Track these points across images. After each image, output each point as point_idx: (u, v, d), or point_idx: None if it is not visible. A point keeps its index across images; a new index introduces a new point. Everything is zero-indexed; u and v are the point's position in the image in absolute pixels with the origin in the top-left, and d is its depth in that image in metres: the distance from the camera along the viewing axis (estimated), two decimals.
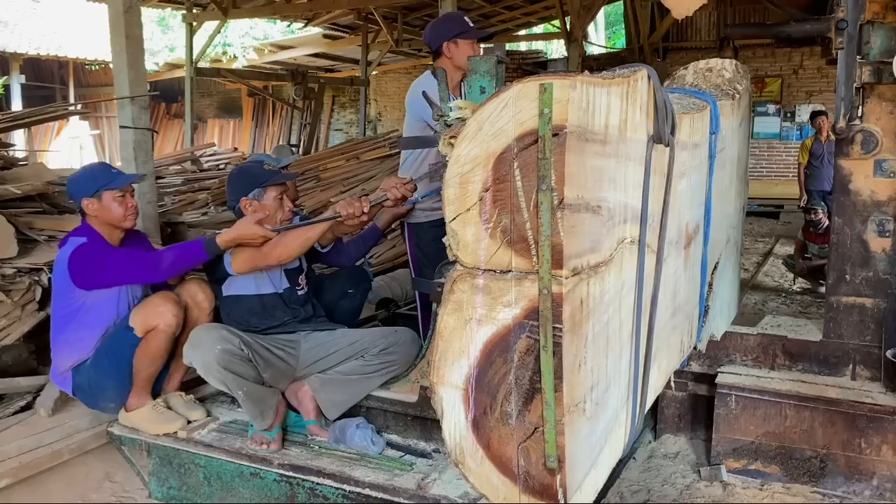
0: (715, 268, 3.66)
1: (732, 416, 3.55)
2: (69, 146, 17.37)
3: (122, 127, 6.07)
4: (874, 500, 3.31)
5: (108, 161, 18.27)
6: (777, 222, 11.72)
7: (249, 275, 3.22)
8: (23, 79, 17.05)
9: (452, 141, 1.90)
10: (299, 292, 3.42)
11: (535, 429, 1.91)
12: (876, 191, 3.46)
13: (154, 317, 3.16)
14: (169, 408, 3.33)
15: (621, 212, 2.20)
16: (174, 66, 17.97)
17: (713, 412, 3.59)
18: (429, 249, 3.80)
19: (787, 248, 8.60)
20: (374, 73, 17.35)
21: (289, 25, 17.66)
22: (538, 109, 1.79)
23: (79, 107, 14.15)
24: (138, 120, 6.02)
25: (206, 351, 2.95)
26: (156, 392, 3.38)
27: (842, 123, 3.32)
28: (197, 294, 3.38)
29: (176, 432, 3.24)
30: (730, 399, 3.56)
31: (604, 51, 18.94)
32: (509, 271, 1.89)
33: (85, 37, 17.83)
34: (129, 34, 5.86)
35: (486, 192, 1.87)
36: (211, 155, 10.97)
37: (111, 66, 5.97)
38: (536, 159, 1.81)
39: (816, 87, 14.47)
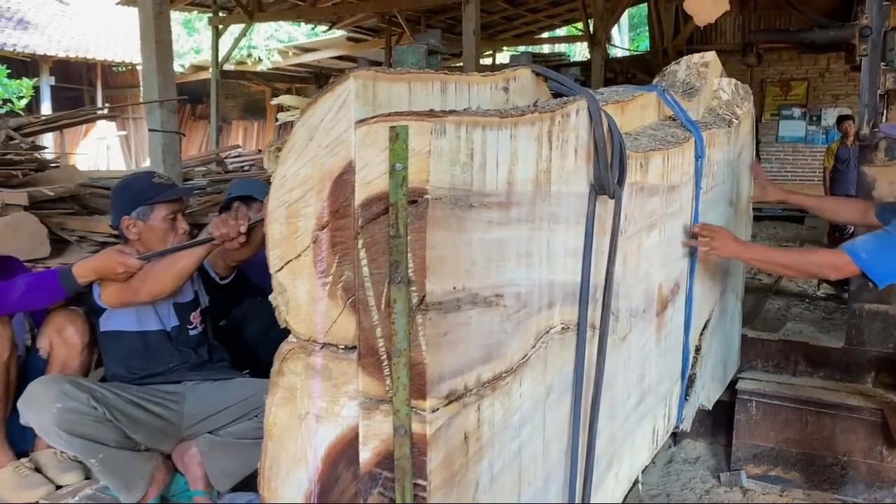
0: (705, 327, 3.05)
1: (753, 422, 3.50)
2: (96, 147, 17.34)
3: (150, 130, 6.11)
4: None
5: (133, 162, 18.34)
6: (801, 227, 11.32)
7: (130, 308, 2.62)
8: (52, 80, 16.95)
9: (279, 154, 1.32)
10: (191, 332, 2.77)
11: None
12: None
13: None
14: (37, 469, 2.73)
15: (542, 294, 1.60)
16: (199, 68, 17.89)
17: (733, 418, 3.53)
18: None
19: None
20: None
21: (313, 28, 17.59)
22: (388, 164, 1.20)
23: (107, 110, 14.12)
24: (167, 123, 6.05)
25: (42, 411, 2.36)
26: (26, 448, 2.78)
27: (865, 130, 3.33)
28: (64, 327, 2.73)
29: (37, 503, 2.64)
30: (750, 405, 3.50)
31: (627, 53, 18.36)
32: (355, 347, 1.30)
33: (112, 39, 17.89)
34: (158, 39, 5.92)
35: (323, 231, 1.30)
36: (236, 156, 10.62)
37: (138, 68, 6.02)
38: (387, 237, 1.21)
39: (843, 90, 13.98)
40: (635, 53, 18.08)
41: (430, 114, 1.21)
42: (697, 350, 2.98)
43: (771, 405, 3.46)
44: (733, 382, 3.59)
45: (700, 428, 3.77)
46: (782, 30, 11.78)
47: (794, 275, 2.99)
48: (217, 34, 13.58)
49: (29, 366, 2.84)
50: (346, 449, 1.34)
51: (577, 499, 1.82)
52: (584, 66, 13.74)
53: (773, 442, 3.46)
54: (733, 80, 3.46)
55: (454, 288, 1.28)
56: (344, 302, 1.30)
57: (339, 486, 1.37)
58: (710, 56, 3.40)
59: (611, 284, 1.83)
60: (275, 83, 17.39)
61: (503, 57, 17.92)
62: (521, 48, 17.98)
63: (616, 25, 16.82)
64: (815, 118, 14.31)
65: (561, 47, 19.60)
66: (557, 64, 16.96)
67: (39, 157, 6.19)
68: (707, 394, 3.18)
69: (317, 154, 1.28)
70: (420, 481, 1.26)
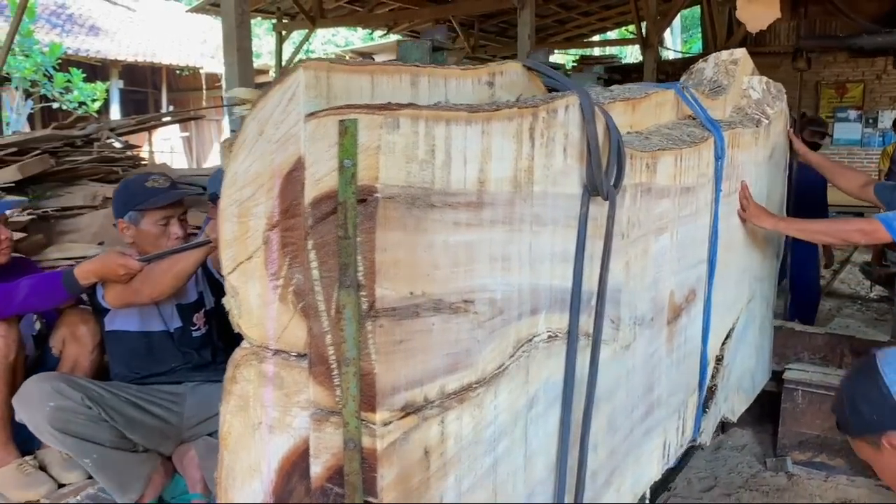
0: (728, 336, 2.91)
1: (799, 411, 3.52)
2: (161, 148, 17.83)
3: (233, 132, 6.28)
4: None
5: (195, 162, 18.81)
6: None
7: (133, 308, 2.60)
8: (121, 84, 17.51)
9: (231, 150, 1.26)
10: (195, 333, 2.75)
11: None
12: None
13: None
14: (42, 467, 2.72)
15: (523, 301, 1.51)
16: (259, 72, 18.25)
17: (780, 407, 3.58)
18: None
19: (865, 256, 8.41)
20: None
21: (370, 33, 17.83)
22: (337, 160, 1.12)
23: (175, 113, 14.77)
24: None
25: (35, 409, 2.35)
26: (34, 448, 2.77)
27: None
28: (78, 327, 2.74)
29: (38, 501, 2.63)
30: (796, 394, 3.53)
31: (679, 56, 18.08)
32: (306, 355, 1.24)
33: (176, 44, 18.42)
34: (239, 47, 6.19)
35: (273, 232, 1.23)
36: None
37: (201, 72, 6.18)
38: (337, 238, 1.14)
39: None
40: (687, 56, 17.78)
41: (383, 107, 1.13)
42: (720, 360, 2.85)
43: (817, 394, 3.48)
44: (780, 373, 3.63)
45: (747, 417, 3.85)
46: (832, 35, 11.48)
47: (829, 241, 3.19)
48: (280, 39, 13.93)
49: (42, 364, 2.84)
50: (299, 461, 1.28)
51: None
52: (636, 68, 13.59)
53: (819, 430, 3.48)
54: (764, 79, 3.31)
55: (411, 293, 1.20)
56: (295, 307, 1.23)
57: (293, 499, 1.30)
58: (740, 53, 3.25)
59: (604, 291, 1.72)
60: None
61: (555, 60, 17.81)
62: (573, 51, 17.87)
63: (669, 27, 16.60)
64: (871, 120, 13.90)
65: (612, 49, 19.39)
66: (609, 66, 16.81)
67: (135, 154, 6.46)
68: (731, 406, 3.05)
69: (266, 149, 1.21)
70: (371, 499, 1.18)
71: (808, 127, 5.79)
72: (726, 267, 2.77)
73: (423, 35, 2.13)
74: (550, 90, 1.82)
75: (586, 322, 1.74)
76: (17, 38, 13.57)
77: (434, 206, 1.22)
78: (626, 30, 17.19)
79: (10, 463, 2.68)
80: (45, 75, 15.08)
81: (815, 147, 5.47)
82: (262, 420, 1.30)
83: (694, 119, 2.57)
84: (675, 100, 2.56)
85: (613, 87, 2.38)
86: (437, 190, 1.22)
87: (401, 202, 1.15)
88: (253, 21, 19.15)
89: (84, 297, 2.69)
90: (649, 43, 11.80)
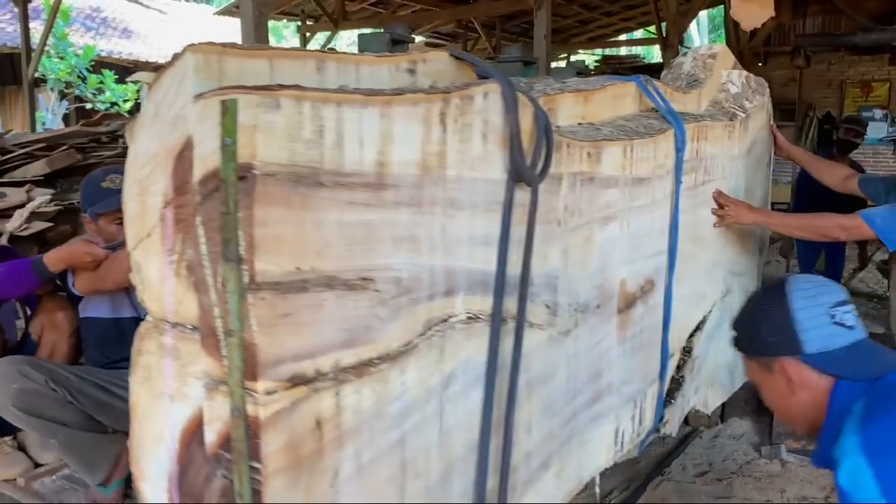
0: (698, 329, 2.92)
1: None
2: None
3: None
4: None
5: None
6: None
7: (105, 295, 2.69)
8: None
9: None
10: None
11: None
12: None
13: None
14: (21, 448, 2.82)
15: (436, 281, 1.55)
16: None
17: None
18: None
19: (883, 255, 8.45)
20: None
21: None
22: (219, 139, 1.18)
23: None
24: None
25: (1, 390, 2.43)
26: (14, 429, 2.88)
27: None
28: (55, 313, 2.87)
29: (15, 479, 2.74)
30: None
31: None
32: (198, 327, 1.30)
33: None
34: None
35: (168, 209, 1.30)
36: None
37: None
38: (221, 214, 1.19)
39: None
40: None
41: (261, 87, 1.18)
42: (688, 352, 2.86)
43: None
44: None
45: (746, 407, 4.09)
46: (828, 34, 11.36)
47: (810, 236, 3.24)
48: (305, 41, 14.17)
49: (23, 348, 2.94)
50: (197, 430, 1.33)
51: (490, 497, 1.75)
52: (658, 68, 13.54)
53: None
54: (745, 73, 3.32)
55: (298, 268, 1.24)
56: (188, 281, 1.28)
57: (194, 466, 1.36)
58: (719, 48, 3.27)
59: (527, 276, 1.76)
60: None
61: (578, 59, 17.80)
62: (598, 51, 17.83)
63: (696, 27, 16.51)
64: None
65: (638, 49, 19.32)
66: (631, 66, 16.73)
67: None
68: (703, 398, 3.05)
69: (162, 129, 1.27)
70: (255, 464, 1.23)
71: (844, 125, 5.76)
72: (693, 259, 2.79)
73: (386, 28, 2.16)
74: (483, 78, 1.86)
75: (514, 305, 1.78)
76: (52, 41, 14.02)
77: (324, 186, 1.27)
78: (648, 30, 17.16)
79: None
80: (79, 77, 15.53)
81: (849, 146, 5.46)
82: (164, 390, 1.36)
83: (656, 111, 2.59)
84: (637, 93, 2.58)
85: (571, 79, 2.41)
86: (328, 170, 1.27)
87: (283, 180, 1.20)
88: (280, 23, 19.42)
89: (61, 284, 2.79)
90: (669, 43, 11.74)
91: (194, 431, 1.34)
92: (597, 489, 2.33)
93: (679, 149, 2.53)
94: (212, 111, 1.19)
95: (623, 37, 18.12)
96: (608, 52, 17.69)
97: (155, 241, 1.31)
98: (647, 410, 2.58)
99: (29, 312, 3.08)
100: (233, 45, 1.31)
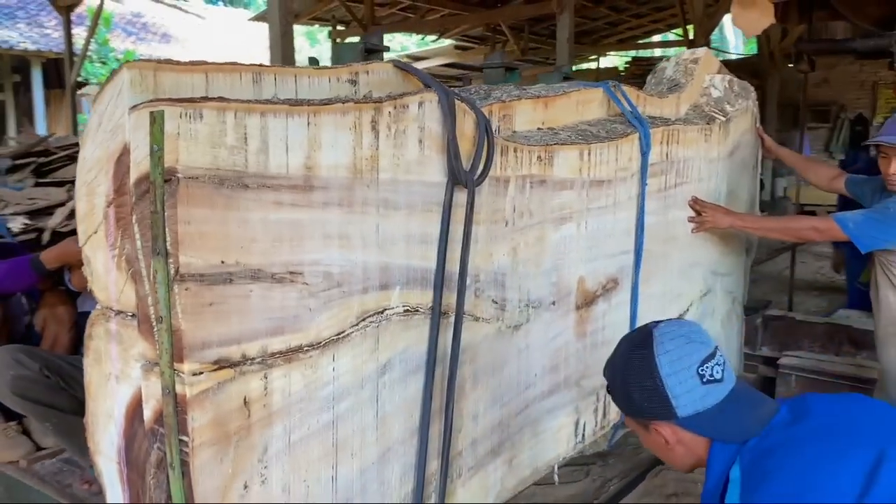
0: None
1: (792, 395, 3.67)
2: None
3: None
4: None
5: None
6: None
7: None
8: None
9: None
10: None
11: None
12: None
13: None
14: (25, 432, 3.01)
15: (369, 276, 1.67)
16: None
17: (775, 391, 3.82)
18: None
19: None
20: None
21: (423, 38, 18.21)
22: (149, 146, 1.32)
23: None
24: None
25: None
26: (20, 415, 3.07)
27: None
28: (57, 307, 3.03)
29: (17, 461, 2.93)
30: (790, 379, 3.82)
31: (733, 57, 17.87)
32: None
33: (241, 49, 19.44)
34: (284, 55, 6.50)
35: (110, 208, 1.45)
36: None
37: None
38: (150, 212, 1.34)
39: None
40: (741, 57, 17.55)
41: (185, 100, 1.32)
42: None
43: (808, 379, 3.76)
44: (776, 359, 3.94)
45: None
46: (829, 39, 11.24)
47: (785, 238, 3.46)
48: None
49: (28, 339, 3.14)
50: (138, 407, 1.47)
51: (431, 479, 1.88)
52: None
53: None
54: (728, 77, 3.38)
55: (223, 262, 1.38)
56: (127, 273, 1.43)
57: (137, 440, 1.50)
58: (701, 52, 3.34)
59: (464, 272, 1.88)
60: None
61: (607, 61, 17.83)
62: (630, 53, 17.80)
63: (732, 28, 16.40)
64: None
65: (670, 51, 19.25)
66: None
67: None
68: None
69: (104, 137, 1.42)
70: (184, 437, 1.37)
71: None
72: (665, 259, 2.87)
73: (363, 38, 2.29)
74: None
75: (464, 301, 1.90)
76: (94, 46, 14.46)
77: (248, 188, 1.40)
78: (676, 32, 17.14)
79: None
80: None
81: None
82: (111, 371, 1.51)
83: (622, 116, 2.68)
84: (606, 98, 2.68)
85: (534, 86, 2.52)
86: (252, 173, 1.41)
87: (206, 182, 1.34)
88: (313, 28, 19.75)
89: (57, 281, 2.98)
90: (696, 44, 11.73)
91: (136, 409, 1.48)
92: (556, 478, 2.43)
93: (644, 152, 2.62)
94: (143, 121, 1.33)
95: (657, 37, 18.09)
96: (640, 53, 17.65)
97: (100, 237, 1.46)
98: (610, 404, 2.68)
99: (34, 306, 3.28)
100: (168, 61, 1.45)
